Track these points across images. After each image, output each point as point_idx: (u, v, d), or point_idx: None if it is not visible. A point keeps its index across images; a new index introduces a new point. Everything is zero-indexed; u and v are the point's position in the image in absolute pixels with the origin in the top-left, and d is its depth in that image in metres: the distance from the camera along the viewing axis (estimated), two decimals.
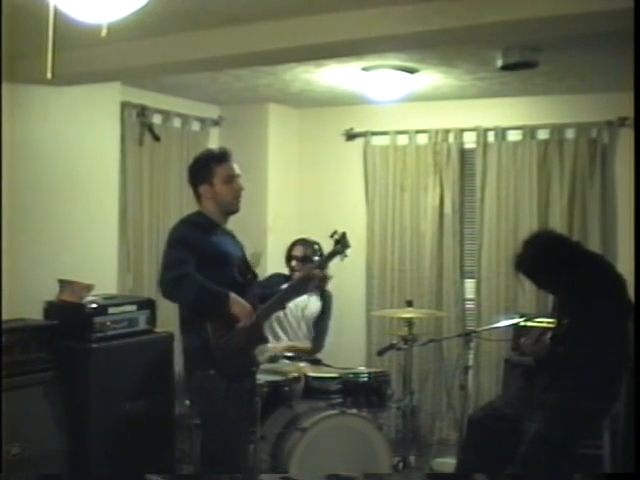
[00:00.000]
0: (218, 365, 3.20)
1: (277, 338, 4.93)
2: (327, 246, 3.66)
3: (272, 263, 5.08)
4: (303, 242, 4.88)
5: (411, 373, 4.62)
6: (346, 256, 3.57)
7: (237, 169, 3.38)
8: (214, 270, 3.21)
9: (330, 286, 5.07)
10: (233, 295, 3.21)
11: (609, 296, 3.44)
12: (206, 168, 3.33)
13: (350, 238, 3.59)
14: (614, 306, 3.42)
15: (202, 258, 3.20)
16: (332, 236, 3.55)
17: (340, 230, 3.61)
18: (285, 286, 3.78)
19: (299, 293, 3.69)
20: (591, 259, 3.73)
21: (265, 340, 3.54)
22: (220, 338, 3.20)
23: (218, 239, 3.31)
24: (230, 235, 3.44)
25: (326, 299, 5.03)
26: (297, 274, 3.62)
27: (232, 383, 3.22)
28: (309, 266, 3.64)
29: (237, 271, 3.34)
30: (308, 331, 5.02)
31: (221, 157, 3.35)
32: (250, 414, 3.49)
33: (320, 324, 5.04)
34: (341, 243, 3.53)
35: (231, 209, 3.38)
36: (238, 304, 3.21)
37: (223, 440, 3.26)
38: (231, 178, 3.34)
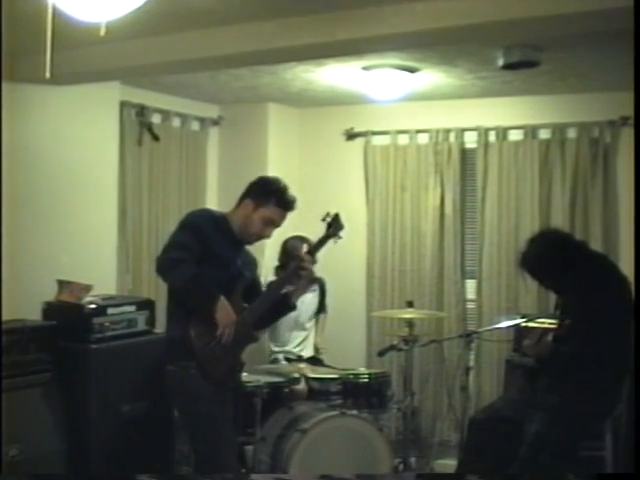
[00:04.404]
0: (201, 367, 3.16)
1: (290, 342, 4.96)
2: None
3: (272, 263, 5.05)
4: (304, 240, 4.84)
5: (412, 374, 4.60)
6: (340, 237, 3.43)
7: (283, 221, 3.34)
8: (206, 269, 3.16)
9: (330, 286, 5.13)
10: (222, 300, 3.15)
11: (613, 297, 3.43)
12: (266, 195, 3.29)
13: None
14: (618, 307, 3.40)
15: (203, 253, 3.17)
16: (324, 219, 3.43)
17: (334, 213, 3.46)
18: (278, 279, 3.74)
19: (293, 284, 3.58)
20: (596, 260, 3.72)
21: (255, 339, 3.46)
22: (205, 345, 3.16)
23: (225, 244, 3.26)
24: (242, 249, 3.39)
25: (321, 286, 5.05)
26: (287, 271, 3.54)
27: (214, 383, 3.20)
28: (300, 256, 3.54)
29: (226, 278, 3.26)
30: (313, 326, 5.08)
31: (284, 204, 3.30)
32: (238, 414, 3.44)
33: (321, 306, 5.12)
34: (333, 226, 3.42)
35: (247, 239, 3.35)
36: (224, 310, 3.15)
37: (206, 440, 3.22)
38: (270, 223, 3.31)
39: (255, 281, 3.53)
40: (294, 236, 4.91)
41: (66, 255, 4.29)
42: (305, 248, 4.60)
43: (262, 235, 3.35)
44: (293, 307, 3.54)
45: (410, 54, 4.06)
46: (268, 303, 3.41)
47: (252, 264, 3.51)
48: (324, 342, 5.12)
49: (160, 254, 3.20)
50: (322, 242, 3.43)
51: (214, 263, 3.20)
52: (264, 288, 3.63)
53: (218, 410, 3.21)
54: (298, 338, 4.98)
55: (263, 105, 5.60)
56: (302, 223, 5.60)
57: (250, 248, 3.51)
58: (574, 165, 5.02)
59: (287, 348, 4.93)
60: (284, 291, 3.45)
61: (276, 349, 4.93)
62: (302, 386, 4.40)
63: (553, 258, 3.55)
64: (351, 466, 3.85)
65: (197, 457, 3.35)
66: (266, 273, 4.84)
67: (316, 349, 5.07)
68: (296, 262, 3.44)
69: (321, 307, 5.15)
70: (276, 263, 5.00)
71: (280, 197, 3.30)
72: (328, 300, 5.17)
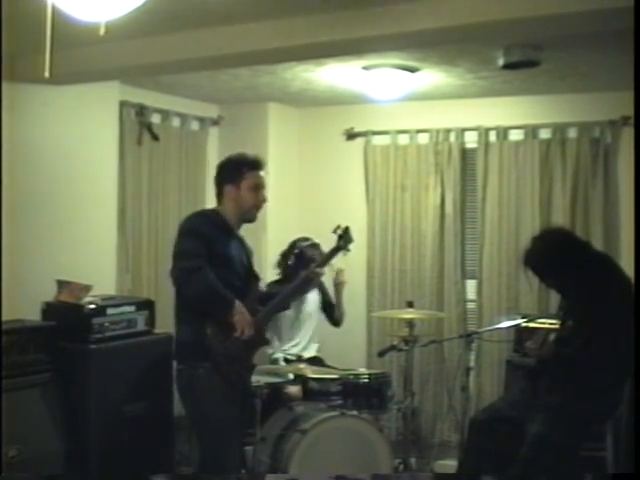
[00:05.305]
0: (216, 367, 3.19)
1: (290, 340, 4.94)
2: (328, 242, 3.63)
3: (272, 262, 5.05)
4: (314, 244, 4.82)
5: (412, 374, 4.59)
6: (349, 250, 3.54)
7: (265, 180, 3.42)
8: (214, 270, 3.19)
9: (329, 285, 5.11)
10: (238, 303, 3.21)
11: (616, 299, 3.42)
12: (237, 170, 3.37)
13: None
14: (620, 309, 3.39)
15: (209, 256, 3.20)
16: (335, 231, 3.51)
17: (344, 226, 3.58)
18: (289, 286, 3.77)
19: (303, 292, 3.71)
20: (599, 260, 3.70)
21: (266, 342, 3.54)
22: (220, 343, 3.19)
23: (226, 240, 3.33)
24: (239, 240, 3.46)
25: (323, 289, 5.05)
26: (299, 277, 3.61)
27: (224, 383, 3.21)
28: (312, 265, 3.61)
29: (236, 276, 3.33)
30: (315, 325, 5.04)
31: (254, 164, 3.40)
32: (243, 414, 3.47)
33: (328, 306, 5.07)
34: (344, 238, 3.52)
35: (248, 217, 3.42)
36: (240, 314, 3.21)
37: (212, 440, 3.26)
38: (257, 187, 3.39)
39: None
40: (306, 239, 4.87)
41: (65, 255, 4.29)
42: (318, 254, 4.60)
43: (258, 203, 3.40)
44: (287, 307, 3.70)
45: (410, 54, 4.05)
46: (279, 309, 3.59)
47: (249, 255, 3.54)
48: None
49: (172, 266, 3.24)
50: (333, 254, 3.56)
51: (221, 264, 3.23)
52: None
53: (225, 410, 3.24)
54: (301, 338, 4.96)
55: (263, 105, 5.59)
56: (302, 223, 5.64)
57: (252, 245, 3.55)
58: (575, 165, 5.01)
59: (289, 348, 4.91)
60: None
61: (277, 349, 4.91)
62: (297, 388, 4.39)
63: (556, 255, 3.54)
64: (351, 466, 3.84)
65: (202, 456, 3.37)
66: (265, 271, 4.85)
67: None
68: (307, 272, 3.54)
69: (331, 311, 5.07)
70: (277, 259, 4.97)
71: (249, 163, 3.40)
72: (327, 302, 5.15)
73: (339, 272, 4.80)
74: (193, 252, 3.17)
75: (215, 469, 3.24)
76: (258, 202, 3.40)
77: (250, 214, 3.41)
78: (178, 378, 3.35)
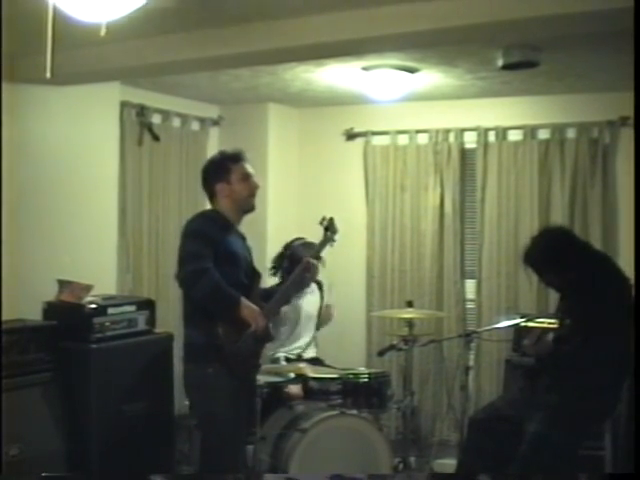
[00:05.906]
0: (228, 366, 3.22)
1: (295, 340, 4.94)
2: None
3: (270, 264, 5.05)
4: (306, 243, 4.83)
5: (411, 374, 4.60)
6: (334, 241, 3.57)
7: (251, 169, 3.46)
8: (222, 269, 3.21)
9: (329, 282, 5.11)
10: (244, 300, 3.24)
11: (614, 298, 3.43)
12: (223, 167, 3.41)
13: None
14: (618, 308, 3.40)
15: (214, 254, 3.22)
16: (321, 223, 3.55)
17: (329, 217, 3.59)
18: (288, 280, 3.78)
19: (302, 285, 3.74)
20: (599, 259, 3.72)
21: (271, 338, 3.55)
22: (232, 342, 3.22)
23: (230, 238, 3.36)
24: (241, 237, 3.49)
25: (321, 287, 5.05)
26: (297, 268, 3.62)
27: (233, 382, 3.23)
28: (305, 258, 3.63)
29: (243, 273, 3.37)
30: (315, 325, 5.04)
31: (237, 157, 3.44)
32: (248, 414, 3.50)
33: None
34: (330, 230, 3.55)
35: (247, 207, 3.45)
36: (248, 308, 3.25)
37: (220, 439, 3.28)
38: (247, 176, 3.43)
39: None
40: (298, 240, 4.87)
41: (66, 255, 4.30)
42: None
43: (252, 191, 3.44)
44: (287, 302, 3.75)
45: (410, 54, 4.06)
46: (281, 304, 3.60)
47: (250, 252, 3.56)
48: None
49: (178, 270, 3.27)
50: (322, 246, 3.57)
51: (228, 261, 3.26)
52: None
53: (232, 410, 3.26)
54: (302, 338, 4.96)
55: (263, 105, 5.61)
56: (302, 223, 5.65)
57: (252, 246, 3.57)
58: (573, 165, 5.02)
59: (290, 348, 4.91)
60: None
61: (279, 348, 4.91)
62: (298, 387, 4.39)
63: (556, 252, 3.55)
64: (351, 465, 3.85)
65: (206, 454, 3.39)
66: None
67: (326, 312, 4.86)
68: (302, 264, 3.55)
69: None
70: (272, 264, 4.96)
71: (231, 157, 3.44)
72: (329, 300, 5.13)
73: (328, 307, 4.83)
74: (198, 254, 3.19)
75: (219, 468, 3.26)
76: (252, 190, 3.43)
77: (247, 204, 3.44)
78: (186, 378, 3.36)
